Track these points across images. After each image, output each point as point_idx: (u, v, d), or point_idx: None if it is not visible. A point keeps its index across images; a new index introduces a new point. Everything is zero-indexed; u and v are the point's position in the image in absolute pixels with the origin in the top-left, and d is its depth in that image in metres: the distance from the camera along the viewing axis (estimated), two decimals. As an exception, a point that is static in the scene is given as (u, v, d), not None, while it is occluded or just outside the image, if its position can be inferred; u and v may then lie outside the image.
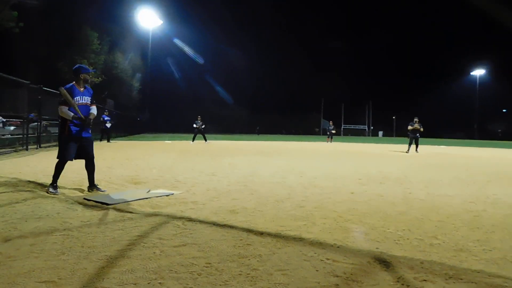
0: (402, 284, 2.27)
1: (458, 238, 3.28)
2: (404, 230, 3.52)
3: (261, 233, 3.27)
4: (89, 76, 5.44)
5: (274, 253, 2.76)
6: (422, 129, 16.20)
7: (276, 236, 3.21)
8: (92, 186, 5.24)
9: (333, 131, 29.08)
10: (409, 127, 16.17)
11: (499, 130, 61.06)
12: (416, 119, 16.10)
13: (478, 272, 2.49)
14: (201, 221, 3.65)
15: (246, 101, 61.74)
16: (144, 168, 8.13)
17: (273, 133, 52.12)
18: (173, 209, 4.20)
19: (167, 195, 4.98)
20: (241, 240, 3.07)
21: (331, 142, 28.03)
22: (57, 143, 5.35)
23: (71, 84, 5.16)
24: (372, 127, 75.64)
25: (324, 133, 51.65)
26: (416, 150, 16.56)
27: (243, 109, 62.02)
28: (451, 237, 3.33)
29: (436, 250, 2.93)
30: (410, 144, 16.49)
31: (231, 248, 2.85)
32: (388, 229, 3.54)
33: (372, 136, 70.31)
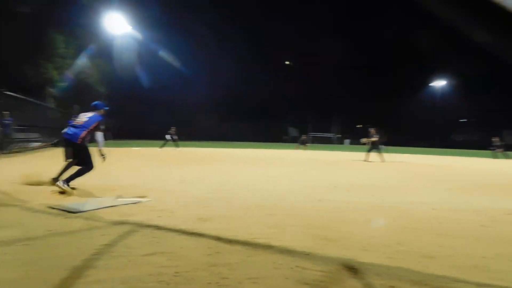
0: (369, 290, 2.33)
1: (423, 245, 3.39)
2: (371, 236, 3.61)
3: (231, 241, 3.27)
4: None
5: (244, 261, 2.76)
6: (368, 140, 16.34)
7: (246, 244, 3.22)
8: (57, 177, 5.71)
9: (307, 143, 30.70)
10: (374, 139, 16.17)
11: (460, 139, 63.70)
12: (372, 129, 16.24)
13: (442, 278, 2.58)
14: (170, 229, 3.61)
15: (216, 108, 61.55)
16: (112, 176, 7.94)
17: (242, 140, 52.14)
18: (142, 217, 4.13)
19: (135, 203, 4.89)
20: (210, 248, 3.05)
21: (305, 150, 28.73)
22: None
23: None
24: (338, 135, 76.97)
25: (293, 141, 52.28)
26: (369, 159, 16.14)
27: (213, 116, 61.72)
28: (416, 243, 3.43)
29: (402, 257, 3.02)
30: (374, 152, 16.27)
31: (200, 257, 2.83)
32: (356, 236, 3.62)
33: (339, 144, 71.41)
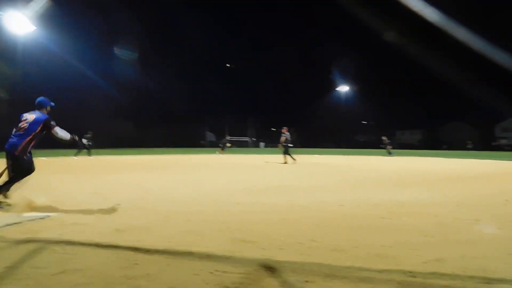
0: (286, 288, 2.48)
1: (332, 239, 3.67)
2: (286, 235, 3.80)
3: (149, 251, 3.21)
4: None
5: (163, 271, 2.75)
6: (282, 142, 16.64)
7: (165, 252, 3.19)
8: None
9: (228, 145, 31.54)
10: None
11: (362, 140, 70.02)
12: (284, 128, 16.53)
13: (349, 268, 2.84)
14: (83, 244, 3.43)
15: (131, 114, 59.05)
16: (14, 189, 7.21)
17: (159, 147, 50.76)
18: (50, 233, 3.84)
19: (43, 218, 4.53)
20: (128, 260, 2.97)
21: (223, 154, 28.79)
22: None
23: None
24: (254, 139, 79.02)
25: (212, 146, 52.36)
26: (287, 160, 16.57)
27: (129, 122, 59.07)
28: (326, 238, 3.71)
29: (314, 252, 3.25)
30: (287, 154, 16.64)
31: (117, 270, 2.75)
32: (272, 236, 3.79)
33: (254, 147, 73.05)
